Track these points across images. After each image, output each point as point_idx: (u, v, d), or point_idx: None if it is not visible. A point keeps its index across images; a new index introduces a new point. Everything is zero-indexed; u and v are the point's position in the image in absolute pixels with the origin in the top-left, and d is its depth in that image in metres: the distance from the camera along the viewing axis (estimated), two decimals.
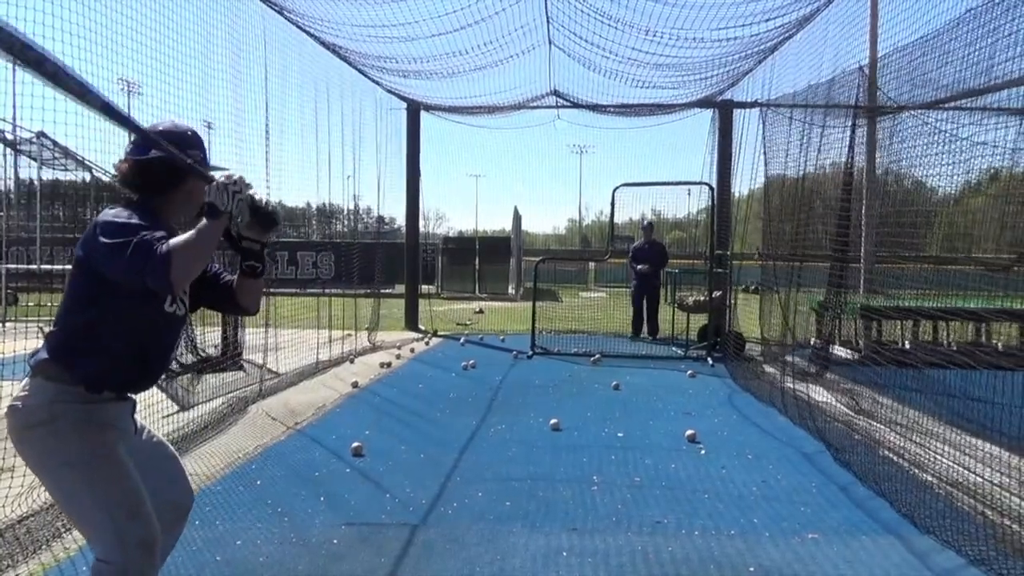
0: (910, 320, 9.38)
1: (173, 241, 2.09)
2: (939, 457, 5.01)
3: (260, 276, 2.44)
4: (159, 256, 2.03)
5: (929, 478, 4.69)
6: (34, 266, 16.48)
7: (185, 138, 2.40)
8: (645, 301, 11.87)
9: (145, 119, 2.60)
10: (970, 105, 6.20)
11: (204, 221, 2.18)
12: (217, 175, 2.26)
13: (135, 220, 2.17)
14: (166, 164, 2.29)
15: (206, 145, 2.52)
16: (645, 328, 11.91)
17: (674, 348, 10.71)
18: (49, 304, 14.15)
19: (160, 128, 2.39)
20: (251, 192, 2.25)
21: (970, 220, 9.11)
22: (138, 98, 6.83)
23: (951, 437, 5.39)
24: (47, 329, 2.32)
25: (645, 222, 12.21)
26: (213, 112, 6.49)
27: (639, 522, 4.00)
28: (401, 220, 13.86)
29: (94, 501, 2.19)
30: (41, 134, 13.13)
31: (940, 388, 6.12)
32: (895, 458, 5.10)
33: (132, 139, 2.38)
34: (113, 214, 2.22)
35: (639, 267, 11.74)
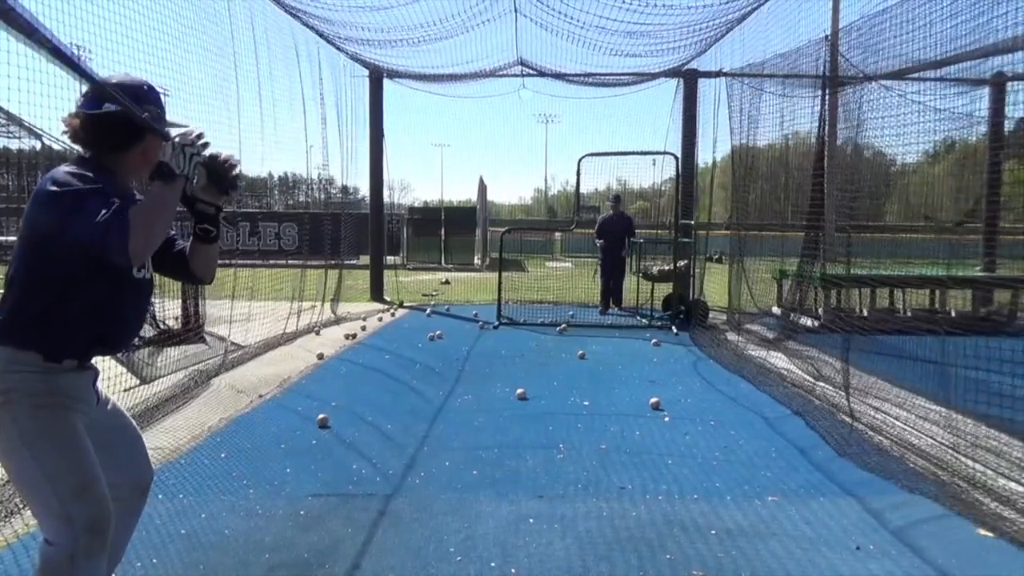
0: (868, 288, 9.59)
1: (133, 210, 1.95)
2: (895, 421, 5.17)
3: (214, 242, 2.32)
4: (118, 227, 1.88)
5: (884, 441, 4.83)
6: None
7: (140, 92, 2.23)
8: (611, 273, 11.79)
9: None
10: (932, 76, 6.29)
11: (159, 185, 2.05)
12: (174, 131, 2.11)
13: (89, 183, 2.00)
14: (121, 120, 2.14)
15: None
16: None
17: (639, 317, 10.80)
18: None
19: (113, 80, 2.24)
20: (209, 152, 2.12)
21: (928, 189, 9.32)
22: (89, 63, 6.58)
23: (905, 401, 5.56)
24: None
25: (612, 195, 12.23)
26: (168, 78, 6.27)
27: (605, 488, 4.06)
28: (365, 190, 13.68)
29: (42, 478, 2.06)
30: None
31: (895, 353, 6.29)
32: (852, 422, 5.23)
33: (84, 92, 2.23)
34: (65, 172, 2.04)
35: (598, 242, 11.79)
